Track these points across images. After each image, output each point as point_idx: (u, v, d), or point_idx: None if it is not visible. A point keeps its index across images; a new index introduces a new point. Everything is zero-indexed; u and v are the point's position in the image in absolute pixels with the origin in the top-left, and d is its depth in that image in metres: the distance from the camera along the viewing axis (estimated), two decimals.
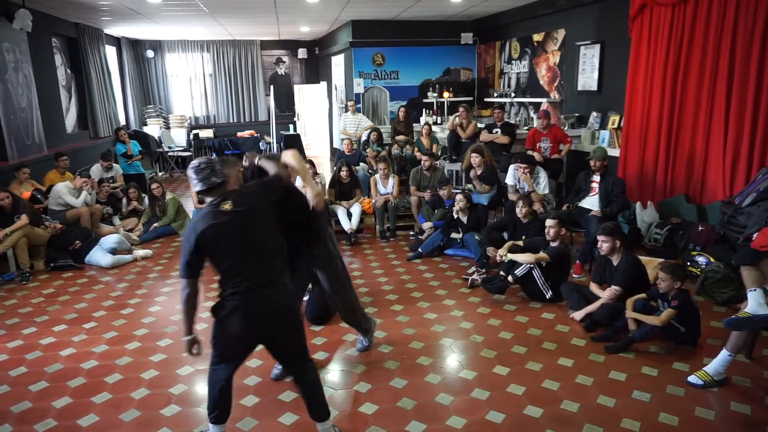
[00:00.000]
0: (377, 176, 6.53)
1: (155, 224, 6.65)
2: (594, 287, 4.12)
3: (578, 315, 4.01)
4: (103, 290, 5.03)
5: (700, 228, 5.12)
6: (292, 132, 12.47)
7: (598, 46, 7.12)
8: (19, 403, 3.19)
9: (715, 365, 3.15)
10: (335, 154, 11.04)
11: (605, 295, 3.90)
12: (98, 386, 3.36)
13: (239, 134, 12.48)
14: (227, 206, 2.43)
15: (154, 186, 6.74)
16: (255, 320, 2.46)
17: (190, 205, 7.45)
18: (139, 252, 5.89)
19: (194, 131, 12.14)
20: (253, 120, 13.18)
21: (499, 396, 3.13)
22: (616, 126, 6.74)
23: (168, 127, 12.03)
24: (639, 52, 6.12)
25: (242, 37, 12.43)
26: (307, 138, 13.22)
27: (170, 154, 11.40)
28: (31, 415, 3.08)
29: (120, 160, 7.96)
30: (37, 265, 5.56)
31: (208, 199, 2.49)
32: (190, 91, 12.87)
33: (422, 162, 6.45)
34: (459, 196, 5.45)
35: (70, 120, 8.95)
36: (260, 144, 12.21)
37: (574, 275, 4.86)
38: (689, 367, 3.35)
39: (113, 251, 5.72)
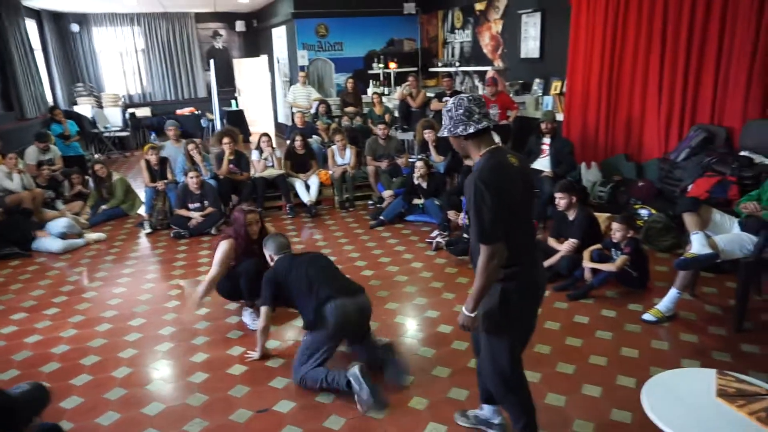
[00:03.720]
0: (334, 148, 6.55)
1: (103, 206, 6.38)
2: (552, 242, 4.39)
3: None
4: (59, 276, 4.83)
5: (639, 184, 5.53)
6: (234, 108, 12.13)
7: (539, 14, 7.36)
8: None
9: (665, 303, 3.49)
10: (284, 129, 10.89)
11: (564, 248, 4.18)
12: (75, 369, 3.29)
13: (179, 112, 12.00)
14: (514, 160, 2.07)
15: (98, 167, 6.44)
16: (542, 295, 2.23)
17: (136, 185, 7.18)
18: (92, 235, 5.65)
19: (130, 110, 11.57)
20: (192, 97, 12.71)
21: None
22: (558, 91, 7.06)
23: (101, 107, 11.38)
24: (579, 20, 6.41)
25: (175, 9, 11.87)
26: (249, 114, 12.89)
27: (106, 134, 10.82)
28: None
29: (57, 142, 7.50)
30: None
31: (479, 150, 2.07)
32: (123, 68, 12.21)
33: (378, 131, 6.52)
34: (419, 164, 5.58)
35: None
36: (201, 122, 11.83)
37: None
38: (642, 307, 3.69)
39: (63, 236, 5.47)
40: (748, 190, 4.28)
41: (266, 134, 6.53)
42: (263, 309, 3.12)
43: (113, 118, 11.26)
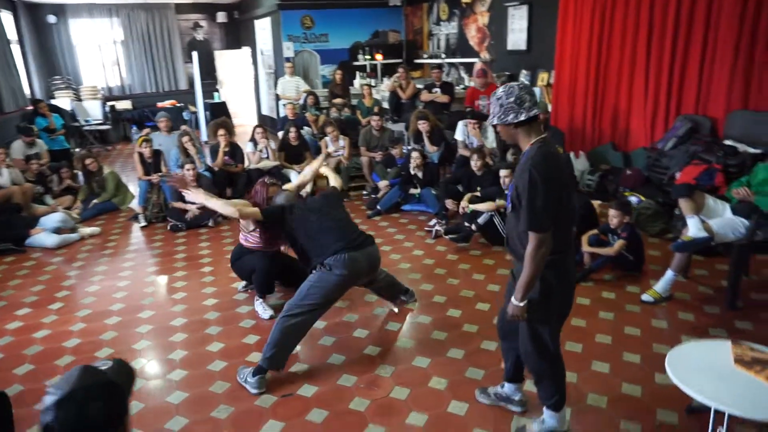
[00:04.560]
0: (327, 139, 6.59)
1: (94, 201, 6.30)
2: None
3: None
4: (58, 271, 4.78)
5: (628, 172, 5.72)
6: (217, 100, 12.00)
7: (525, 7, 7.50)
8: (8, 387, 3.07)
9: (662, 284, 3.67)
10: (268, 121, 10.83)
11: None
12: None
13: (160, 104, 11.81)
14: (560, 150, 2.12)
15: (88, 161, 6.36)
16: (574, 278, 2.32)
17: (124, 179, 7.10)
18: (86, 230, 5.59)
19: (109, 103, 11.35)
20: (173, 89, 12.51)
21: (486, 329, 3.44)
22: (545, 83, 7.22)
23: (79, 100, 11.14)
24: (567, 12, 6.56)
25: (155, 0, 11.65)
26: (232, 106, 12.76)
27: (87, 128, 10.61)
28: (26, 396, 2.99)
29: (42, 135, 7.35)
30: None
31: (529, 139, 2.10)
32: (101, 60, 11.94)
33: (372, 122, 6.59)
34: (415, 154, 5.67)
35: None
36: (184, 114, 11.68)
37: None
38: (639, 288, 3.86)
39: (57, 230, 5.40)
40: (733, 177, 4.51)
41: (261, 126, 6.53)
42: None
43: (93, 111, 11.04)
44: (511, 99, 2.07)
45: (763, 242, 3.47)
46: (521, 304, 2.16)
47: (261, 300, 3.79)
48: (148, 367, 3.22)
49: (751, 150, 4.68)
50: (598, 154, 6.41)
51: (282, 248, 3.97)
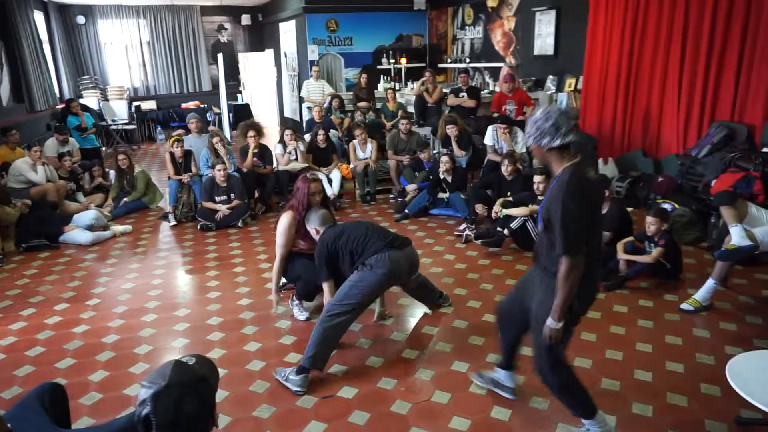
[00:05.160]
0: (355, 142, 6.61)
1: (125, 199, 6.39)
2: None
3: None
4: (92, 267, 4.84)
5: (660, 179, 5.66)
6: (240, 102, 12.12)
7: (554, 12, 7.47)
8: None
9: (702, 293, 3.62)
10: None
11: None
12: (131, 358, 3.33)
13: (184, 105, 11.98)
14: (592, 174, 2.11)
15: (121, 158, 6.45)
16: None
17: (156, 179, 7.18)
18: (118, 227, 5.66)
19: (135, 103, 11.52)
20: (197, 90, 12.65)
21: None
22: (572, 88, 7.18)
23: (106, 99, 11.32)
24: (597, 16, 6.53)
25: (181, 2, 11.80)
26: (255, 108, 12.88)
27: (113, 127, 10.77)
28: (69, 390, 3.00)
29: (73, 134, 7.47)
30: (7, 247, 5.22)
31: (561, 163, 2.12)
32: (127, 61, 12.12)
33: (400, 126, 6.60)
34: (445, 158, 5.66)
35: (4, 93, 8.23)
36: (208, 115, 11.80)
37: None
38: (677, 297, 3.81)
39: (90, 228, 5.48)
40: None
41: (290, 128, 6.57)
42: (326, 285, 3.27)
43: (119, 111, 11.21)
44: (549, 123, 2.08)
45: None
46: (559, 325, 2.15)
47: (298, 302, 3.80)
48: None
49: None
50: (627, 161, 6.35)
51: None
